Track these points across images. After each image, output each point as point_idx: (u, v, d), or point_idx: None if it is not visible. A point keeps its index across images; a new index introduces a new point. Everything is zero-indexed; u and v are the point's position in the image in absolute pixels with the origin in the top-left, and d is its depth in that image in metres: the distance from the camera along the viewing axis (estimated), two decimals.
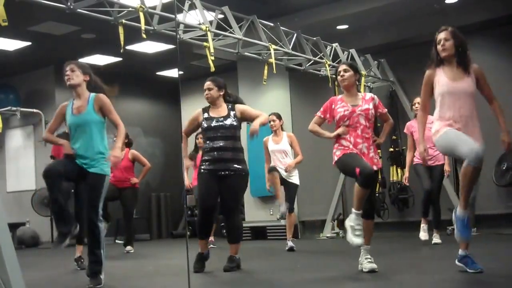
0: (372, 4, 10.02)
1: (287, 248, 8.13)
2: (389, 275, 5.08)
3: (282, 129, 8.58)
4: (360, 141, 5.27)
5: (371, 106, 5.37)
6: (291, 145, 8.47)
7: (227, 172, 5.83)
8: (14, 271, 3.18)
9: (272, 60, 8.63)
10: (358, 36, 10.94)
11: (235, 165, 5.85)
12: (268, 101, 12.28)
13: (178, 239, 13.38)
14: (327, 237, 10.93)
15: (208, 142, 5.96)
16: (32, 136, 13.59)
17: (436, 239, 8.12)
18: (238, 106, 6.08)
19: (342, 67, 5.51)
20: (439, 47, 4.80)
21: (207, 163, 5.90)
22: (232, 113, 5.98)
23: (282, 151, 8.40)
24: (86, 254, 5.82)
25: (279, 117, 8.59)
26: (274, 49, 8.67)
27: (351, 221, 5.14)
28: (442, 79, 4.78)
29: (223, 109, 6.03)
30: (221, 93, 6.10)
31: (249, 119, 6.03)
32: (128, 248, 9.45)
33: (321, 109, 5.53)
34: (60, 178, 5.04)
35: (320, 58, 9.66)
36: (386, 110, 5.61)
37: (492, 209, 9.94)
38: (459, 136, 4.63)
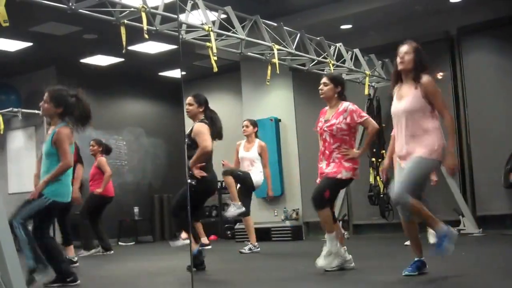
0: (376, 3, 9.98)
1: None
2: (393, 275, 5.03)
3: (256, 136, 8.73)
4: (321, 158, 5.54)
5: (339, 119, 5.46)
6: (260, 154, 8.58)
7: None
8: (15, 271, 3.19)
9: (276, 60, 8.58)
10: (362, 36, 10.88)
11: (191, 181, 5.98)
12: (272, 102, 12.24)
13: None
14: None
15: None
16: (33, 137, 13.54)
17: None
18: (195, 126, 6.11)
19: (323, 79, 5.71)
20: (398, 59, 4.80)
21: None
22: (190, 132, 6.13)
23: (249, 159, 8.55)
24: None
25: (253, 124, 8.82)
26: (278, 49, 8.62)
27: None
28: (393, 101, 4.86)
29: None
30: (201, 110, 6.22)
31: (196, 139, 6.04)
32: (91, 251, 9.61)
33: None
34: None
35: (324, 58, 9.60)
36: (364, 117, 5.57)
37: (497, 210, 9.89)
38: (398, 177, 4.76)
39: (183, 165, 14.02)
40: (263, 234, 11.32)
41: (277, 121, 12.09)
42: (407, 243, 8.35)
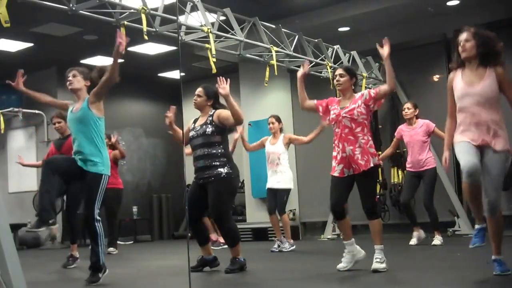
0: (373, 6, 10.03)
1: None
2: (390, 276, 5.09)
3: (281, 131, 8.75)
4: (346, 145, 5.35)
5: (358, 103, 5.40)
6: (288, 144, 8.66)
7: (203, 180, 5.88)
8: (16, 272, 3.18)
9: (274, 62, 8.64)
10: (359, 38, 10.93)
11: (213, 171, 5.83)
12: (270, 103, 12.29)
13: (179, 240, 13.38)
14: (327, 238, 10.95)
15: (193, 152, 6.06)
16: (34, 137, 13.61)
17: (435, 241, 8.18)
18: (217, 111, 6.02)
19: (338, 71, 5.60)
20: (459, 48, 4.63)
21: (194, 173, 6.05)
22: (209, 119, 5.98)
23: (276, 153, 8.57)
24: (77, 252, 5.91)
25: (278, 119, 8.76)
26: (276, 51, 8.68)
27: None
28: (459, 84, 4.64)
29: (206, 116, 6.07)
30: (209, 103, 6.13)
31: (226, 120, 5.91)
32: (111, 249, 9.46)
33: (323, 101, 5.69)
34: (59, 172, 5.20)
35: (322, 60, 9.67)
36: (379, 87, 5.50)
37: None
38: (463, 148, 4.48)
39: (182, 165, 14.11)
40: (260, 234, 11.39)
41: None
42: (412, 242, 8.45)
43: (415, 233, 8.50)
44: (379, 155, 5.48)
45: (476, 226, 4.65)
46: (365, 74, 10.16)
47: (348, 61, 10.14)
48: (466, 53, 4.58)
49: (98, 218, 5.20)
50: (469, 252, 7.05)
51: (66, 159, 5.46)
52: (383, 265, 5.24)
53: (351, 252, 5.53)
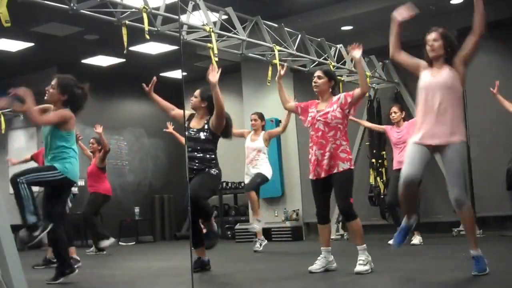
0: (376, 5, 9.98)
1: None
2: (391, 276, 5.05)
3: (263, 129, 8.81)
4: (316, 149, 5.44)
5: (334, 107, 5.42)
6: (268, 140, 8.73)
7: (198, 172, 6.05)
8: (17, 272, 3.17)
9: (276, 61, 8.59)
10: (362, 37, 10.78)
11: (205, 168, 6.04)
12: (272, 103, 12.22)
13: (181, 241, 13.34)
14: (331, 239, 10.87)
15: (188, 149, 6.15)
16: (35, 137, 13.56)
17: (414, 240, 8.38)
18: (213, 117, 6.09)
19: (317, 73, 5.65)
20: (427, 47, 4.78)
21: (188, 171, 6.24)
22: (206, 126, 6.10)
23: (255, 149, 8.64)
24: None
25: (261, 117, 8.88)
26: (278, 50, 8.64)
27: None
28: (424, 75, 4.79)
29: (202, 121, 6.17)
30: (203, 105, 6.22)
31: (213, 125, 6.04)
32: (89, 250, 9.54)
33: (302, 103, 5.78)
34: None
35: (325, 59, 9.62)
36: (354, 91, 5.47)
37: (497, 211, 9.90)
38: (410, 154, 4.74)
39: (183, 165, 14.04)
40: (264, 234, 11.33)
41: (278, 122, 12.09)
42: (390, 242, 8.51)
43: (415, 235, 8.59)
44: (351, 159, 5.48)
45: (402, 224, 4.91)
46: (368, 73, 10.10)
47: (351, 60, 10.08)
48: (434, 52, 4.75)
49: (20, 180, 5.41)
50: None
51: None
52: (366, 267, 5.24)
53: (327, 258, 5.55)
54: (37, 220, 5.27)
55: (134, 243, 13.04)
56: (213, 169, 6.06)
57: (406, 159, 4.75)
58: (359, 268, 5.22)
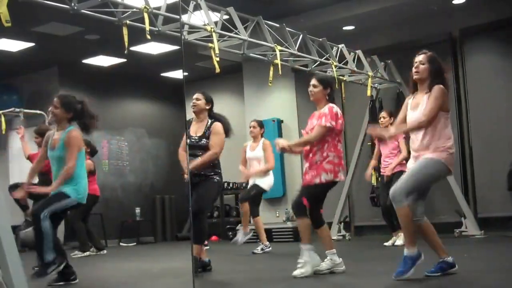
0: (378, 5, 9.97)
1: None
2: (391, 276, 5.02)
3: (262, 137, 8.69)
4: (304, 160, 5.55)
5: (319, 121, 5.42)
6: (264, 151, 8.53)
7: (200, 178, 6.03)
8: (17, 273, 3.17)
9: (278, 61, 8.56)
10: (364, 37, 10.87)
11: (202, 178, 6.03)
12: (274, 103, 12.23)
13: (183, 242, 13.31)
14: (333, 239, 10.85)
15: (190, 157, 6.11)
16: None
17: (398, 241, 8.38)
18: (214, 126, 6.12)
19: (312, 81, 5.66)
20: (413, 69, 4.82)
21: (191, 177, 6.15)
22: (207, 132, 6.11)
23: (255, 159, 8.56)
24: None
25: (260, 125, 8.76)
26: (280, 50, 8.60)
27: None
28: (408, 110, 4.89)
29: (202, 126, 6.17)
30: (207, 107, 6.23)
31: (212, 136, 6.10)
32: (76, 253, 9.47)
33: None
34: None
35: (326, 59, 9.58)
36: (317, 125, 5.42)
37: (499, 212, 9.88)
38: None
39: (185, 166, 14.01)
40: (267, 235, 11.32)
41: (280, 122, 12.09)
42: (387, 243, 8.52)
43: (395, 238, 8.65)
44: (337, 171, 5.47)
45: (405, 253, 4.84)
46: (370, 73, 10.07)
47: (353, 60, 10.06)
48: (418, 74, 4.79)
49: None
50: (476, 253, 7.00)
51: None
52: (303, 270, 5.29)
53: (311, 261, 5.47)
54: (54, 258, 5.33)
55: (135, 244, 13.03)
56: (215, 177, 6.07)
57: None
58: (296, 272, 5.31)
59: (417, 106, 4.77)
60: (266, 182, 8.52)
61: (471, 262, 6.12)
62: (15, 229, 12.27)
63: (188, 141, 6.11)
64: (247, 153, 8.64)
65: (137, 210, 13.49)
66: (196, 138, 6.09)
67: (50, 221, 5.31)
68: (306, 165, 5.48)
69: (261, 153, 8.50)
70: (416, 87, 4.86)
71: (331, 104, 5.52)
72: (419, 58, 4.81)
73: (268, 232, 11.22)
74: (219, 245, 9.37)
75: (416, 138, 4.77)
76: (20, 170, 13.59)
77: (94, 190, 9.55)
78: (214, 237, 12.85)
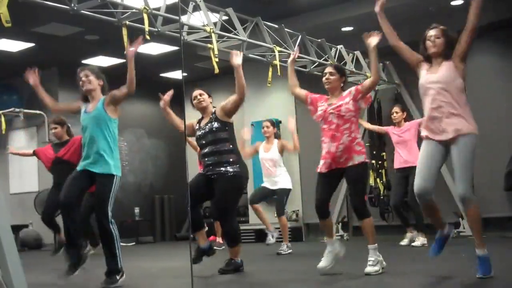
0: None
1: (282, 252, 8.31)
2: (393, 278, 5.05)
3: (275, 137, 8.58)
4: (330, 142, 5.31)
5: (346, 100, 5.35)
6: (281, 151, 8.44)
7: (215, 176, 5.87)
8: (17, 273, 3.15)
9: (277, 62, 8.59)
10: (363, 38, 10.87)
11: (221, 168, 5.84)
12: (273, 103, 12.25)
13: (181, 242, 13.34)
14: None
15: (202, 153, 6.07)
16: (35, 138, 13.57)
17: (417, 242, 8.40)
18: (217, 107, 6.05)
19: (328, 69, 5.55)
20: (428, 43, 4.75)
21: (203, 169, 6.08)
22: (213, 116, 6.00)
23: (270, 160, 8.42)
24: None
25: (273, 124, 8.66)
26: (279, 51, 8.64)
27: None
28: (423, 73, 4.78)
29: (208, 115, 6.09)
30: (211, 101, 6.21)
31: (229, 109, 5.97)
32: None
33: (314, 94, 5.66)
34: (76, 207, 5.20)
35: (325, 60, 9.62)
36: (364, 82, 5.53)
37: (498, 212, 9.89)
38: (421, 162, 4.71)
39: (184, 166, 14.06)
40: (263, 235, 11.32)
41: (278, 122, 12.11)
42: (403, 242, 8.53)
43: (408, 234, 8.72)
44: (365, 152, 5.45)
45: (437, 236, 4.84)
46: (369, 74, 10.10)
47: (352, 61, 10.09)
48: (436, 48, 4.71)
49: (112, 219, 5.14)
50: (473, 254, 7.00)
51: (72, 184, 5.23)
52: (376, 268, 5.20)
53: (333, 252, 5.47)
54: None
55: (134, 243, 13.04)
56: (231, 168, 5.82)
57: (417, 167, 4.73)
58: (369, 269, 5.18)
59: (435, 73, 4.69)
60: (289, 181, 8.50)
61: (469, 262, 6.13)
62: (18, 228, 12.34)
63: (197, 134, 6.06)
64: (261, 153, 8.51)
65: (136, 210, 13.51)
66: (204, 126, 5.99)
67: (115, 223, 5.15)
68: (332, 142, 5.31)
69: (277, 155, 8.38)
70: (430, 60, 4.77)
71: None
72: (433, 32, 4.74)
73: (266, 232, 11.26)
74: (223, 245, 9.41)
75: (437, 116, 4.66)
76: (20, 170, 13.65)
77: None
78: (212, 237, 12.84)
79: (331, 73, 5.48)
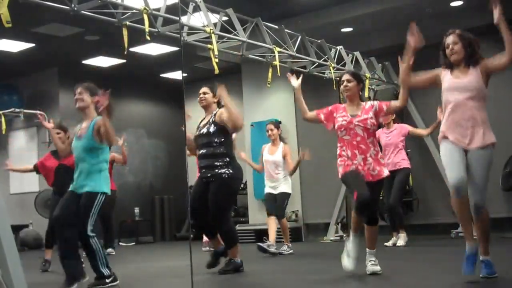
0: (376, 6, 9.98)
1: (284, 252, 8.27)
2: (393, 278, 5.06)
3: (280, 139, 8.50)
4: (356, 153, 5.24)
5: (370, 115, 5.31)
6: (284, 156, 8.36)
7: (206, 179, 5.93)
8: (17, 273, 3.15)
9: (277, 62, 8.60)
10: (362, 39, 10.90)
11: (215, 170, 5.87)
12: (272, 104, 12.25)
13: (181, 242, 13.35)
14: (330, 240, 10.90)
15: (198, 150, 6.10)
16: (35, 138, 13.58)
17: (399, 241, 8.54)
18: (219, 111, 6.01)
19: (346, 76, 5.48)
20: (448, 51, 4.68)
21: (199, 171, 6.13)
22: (212, 119, 6.00)
23: (273, 162, 8.35)
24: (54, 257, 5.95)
25: (277, 126, 8.55)
26: (278, 52, 8.65)
27: (347, 244, 5.29)
28: (447, 78, 4.68)
29: (208, 116, 6.10)
30: (215, 100, 6.15)
31: (226, 122, 5.89)
32: (109, 250, 9.47)
33: (323, 109, 5.53)
34: (68, 226, 5.16)
35: (325, 60, 9.63)
36: (390, 103, 5.44)
37: (496, 213, 9.88)
38: (451, 158, 4.56)
39: (183, 166, 14.07)
40: (263, 235, 11.33)
41: (278, 123, 12.10)
42: (387, 244, 8.57)
43: (400, 235, 8.73)
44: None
45: (466, 251, 4.60)
46: (368, 75, 10.12)
47: (351, 61, 10.10)
48: (456, 55, 4.64)
49: (91, 234, 5.16)
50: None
51: (65, 204, 5.28)
52: (378, 267, 5.22)
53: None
54: (110, 271, 5.28)
55: (134, 243, 13.06)
56: (225, 171, 5.85)
57: (448, 165, 4.57)
58: (374, 268, 5.19)
59: (460, 78, 4.61)
60: (289, 186, 8.45)
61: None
62: (18, 228, 12.34)
63: (196, 133, 6.08)
64: (264, 155, 8.45)
65: (136, 210, 13.52)
66: (202, 127, 6.02)
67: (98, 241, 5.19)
68: (359, 155, 5.25)
69: (280, 158, 8.32)
70: (452, 67, 4.70)
71: (369, 101, 5.53)
72: (451, 39, 4.69)
73: (266, 232, 11.26)
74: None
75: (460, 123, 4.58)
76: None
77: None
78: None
79: (348, 80, 5.43)
